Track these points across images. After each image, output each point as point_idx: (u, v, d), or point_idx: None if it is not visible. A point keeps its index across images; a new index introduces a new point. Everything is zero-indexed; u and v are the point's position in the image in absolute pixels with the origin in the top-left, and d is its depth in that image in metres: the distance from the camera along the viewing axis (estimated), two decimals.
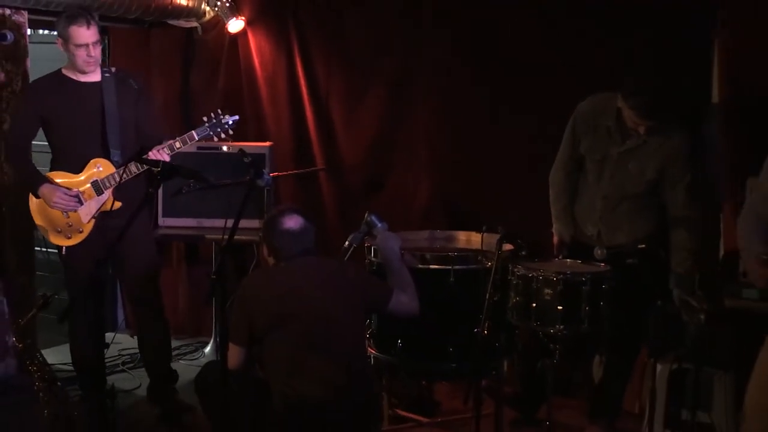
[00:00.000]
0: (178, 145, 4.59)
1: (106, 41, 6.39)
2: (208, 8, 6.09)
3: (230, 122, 4.70)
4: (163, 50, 6.43)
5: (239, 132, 5.90)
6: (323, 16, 5.86)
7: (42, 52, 6.28)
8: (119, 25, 6.07)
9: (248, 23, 6.10)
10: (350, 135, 5.92)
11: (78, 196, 4.56)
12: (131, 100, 4.71)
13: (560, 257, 4.55)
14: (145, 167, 4.46)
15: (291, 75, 6.03)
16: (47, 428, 3.58)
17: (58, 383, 3.72)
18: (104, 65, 4.67)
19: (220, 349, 3.27)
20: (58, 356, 5.67)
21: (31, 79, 5.35)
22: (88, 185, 4.58)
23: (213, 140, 4.74)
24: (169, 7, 5.79)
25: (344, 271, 3.94)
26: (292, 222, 3.81)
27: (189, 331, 6.30)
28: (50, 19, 5.56)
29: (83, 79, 4.65)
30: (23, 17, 5.29)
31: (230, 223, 3.42)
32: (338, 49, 5.88)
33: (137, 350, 5.80)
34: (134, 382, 5.47)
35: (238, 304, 3.74)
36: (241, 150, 4.51)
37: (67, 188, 4.54)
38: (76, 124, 4.61)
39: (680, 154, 4.32)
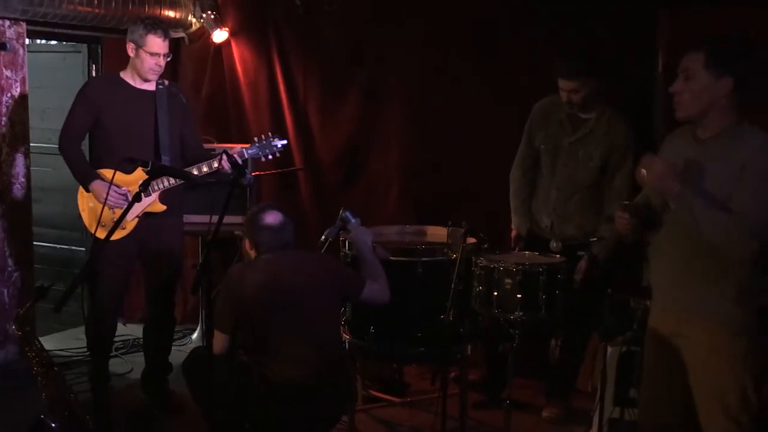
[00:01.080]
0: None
1: (100, 50, 6.36)
2: (194, 20, 6.07)
3: (279, 145, 4.60)
4: None
5: (223, 134, 5.93)
6: (301, 27, 5.86)
7: (39, 60, 6.25)
8: (112, 35, 6.03)
9: (232, 34, 6.09)
10: (326, 137, 5.93)
11: (126, 195, 4.46)
12: (180, 113, 4.68)
13: (518, 249, 4.57)
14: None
15: (271, 81, 6.02)
16: (45, 410, 3.55)
17: (55, 368, 3.69)
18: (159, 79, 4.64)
19: (206, 335, 3.26)
20: (54, 343, 5.65)
21: (29, 86, 5.35)
22: (138, 186, 4.48)
23: (261, 160, 4.66)
24: (158, 18, 5.75)
25: (321, 264, 3.95)
26: (272, 218, 3.81)
27: (177, 319, 6.26)
28: (47, 29, 5.54)
29: (139, 86, 4.60)
30: (22, 28, 5.26)
31: (215, 218, 3.40)
32: (315, 58, 5.88)
33: (129, 337, 5.81)
34: (126, 366, 5.44)
35: (223, 294, 3.73)
36: (225, 151, 4.52)
37: (118, 186, 4.43)
38: (129, 127, 4.53)
39: (623, 141, 4.39)
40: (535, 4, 5.07)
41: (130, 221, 4.49)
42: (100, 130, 4.57)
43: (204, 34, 6.14)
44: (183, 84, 6.36)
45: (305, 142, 5.95)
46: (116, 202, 4.42)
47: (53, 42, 6.52)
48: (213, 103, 6.23)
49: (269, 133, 4.63)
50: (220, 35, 6.03)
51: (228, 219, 3.53)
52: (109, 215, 4.45)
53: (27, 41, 5.39)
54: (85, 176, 4.50)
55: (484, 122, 5.28)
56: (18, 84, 5.29)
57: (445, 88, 5.42)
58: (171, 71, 6.35)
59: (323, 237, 4.27)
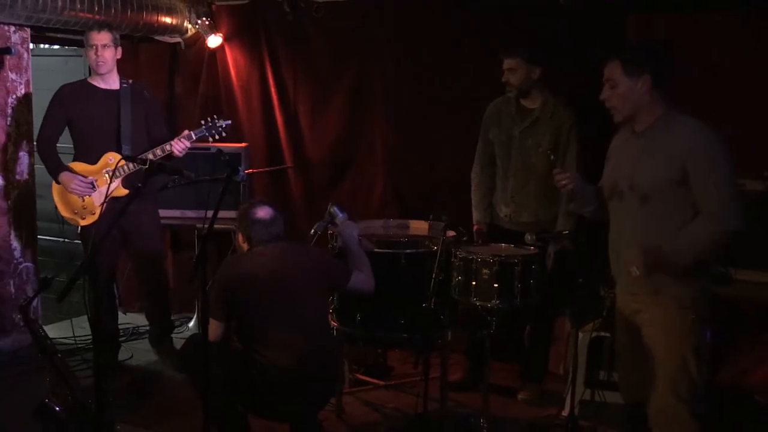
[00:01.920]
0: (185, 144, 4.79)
1: None
2: (189, 26, 6.05)
3: (223, 125, 4.86)
4: (150, 62, 6.38)
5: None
6: (291, 33, 5.84)
7: (42, 63, 6.23)
8: None
9: (225, 39, 6.08)
10: (315, 136, 5.92)
11: (92, 183, 4.75)
12: (143, 107, 4.93)
13: (480, 242, 4.58)
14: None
15: (263, 84, 6.02)
16: (49, 394, 3.55)
17: (58, 354, 3.68)
18: (123, 78, 4.95)
19: (201, 323, 3.26)
20: (57, 331, 5.62)
21: (32, 87, 5.34)
22: (102, 174, 4.74)
23: (208, 141, 4.87)
24: (155, 24, 5.74)
25: (310, 255, 3.95)
26: (263, 212, 3.81)
27: (175, 308, 6.22)
28: (50, 35, 5.53)
29: (104, 86, 4.87)
30: (26, 33, 5.25)
31: (210, 213, 3.40)
32: (304, 61, 5.88)
33: (129, 325, 5.81)
34: (126, 353, 5.42)
35: (218, 285, 3.73)
36: (219, 150, 4.52)
37: (84, 176, 4.72)
38: (95, 123, 4.81)
39: (567, 124, 4.46)
40: (517, 7, 5.09)
41: (98, 206, 4.74)
42: (74, 129, 4.86)
43: (199, 39, 6.12)
44: (179, 86, 6.37)
45: (295, 141, 5.94)
46: (82, 191, 4.73)
47: (56, 46, 6.50)
48: (208, 105, 6.20)
49: (214, 116, 4.88)
50: (214, 40, 6.02)
51: (222, 214, 3.53)
52: (79, 202, 4.77)
53: (31, 45, 5.37)
54: (55, 169, 4.78)
55: (463, 123, 5.27)
56: (23, 86, 5.28)
57: (426, 90, 5.43)
58: (168, 74, 6.36)
59: (313, 230, 4.28)
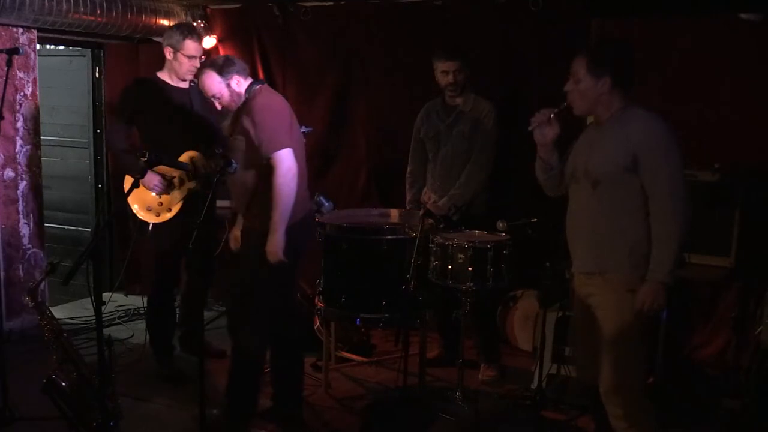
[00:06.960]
0: None
1: (102, 54, 6.29)
2: None
3: (304, 130, 4.59)
4: (149, 62, 6.27)
5: None
6: (280, 35, 5.82)
7: (48, 63, 6.17)
8: (113, 41, 5.97)
9: (219, 41, 6.04)
10: None
11: (171, 182, 4.46)
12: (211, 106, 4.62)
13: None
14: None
15: None
16: (56, 370, 3.54)
17: (64, 334, 3.67)
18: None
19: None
20: (63, 312, 5.60)
21: (39, 86, 5.31)
22: (182, 172, 4.46)
23: None
24: (154, 26, 5.70)
25: None
26: None
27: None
28: (55, 36, 5.48)
29: (175, 84, 4.54)
30: (33, 35, 5.21)
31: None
32: (292, 62, 5.85)
33: (131, 306, 5.80)
34: (128, 332, 5.41)
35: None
36: (214, 144, 4.50)
37: (164, 174, 4.42)
38: (171, 120, 4.45)
39: (485, 112, 4.57)
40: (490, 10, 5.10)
41: (176, 204, 4.47)
42: (145, 124, 4.48)
43: None
44: None
45: None
46: (164, 189, 4.44)
47: (61, 47, 6.44)
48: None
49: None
50: (209, 41, 5.97)
51: (217, 203, 3.52)
52: (155, 200, 4.47)
53: (38, 46, 5.34)
54: (134, 169, 4.31)
55: None
56: (30, 84, 5.25)
57: (406, 89, 5.42)
58: None
59: None
